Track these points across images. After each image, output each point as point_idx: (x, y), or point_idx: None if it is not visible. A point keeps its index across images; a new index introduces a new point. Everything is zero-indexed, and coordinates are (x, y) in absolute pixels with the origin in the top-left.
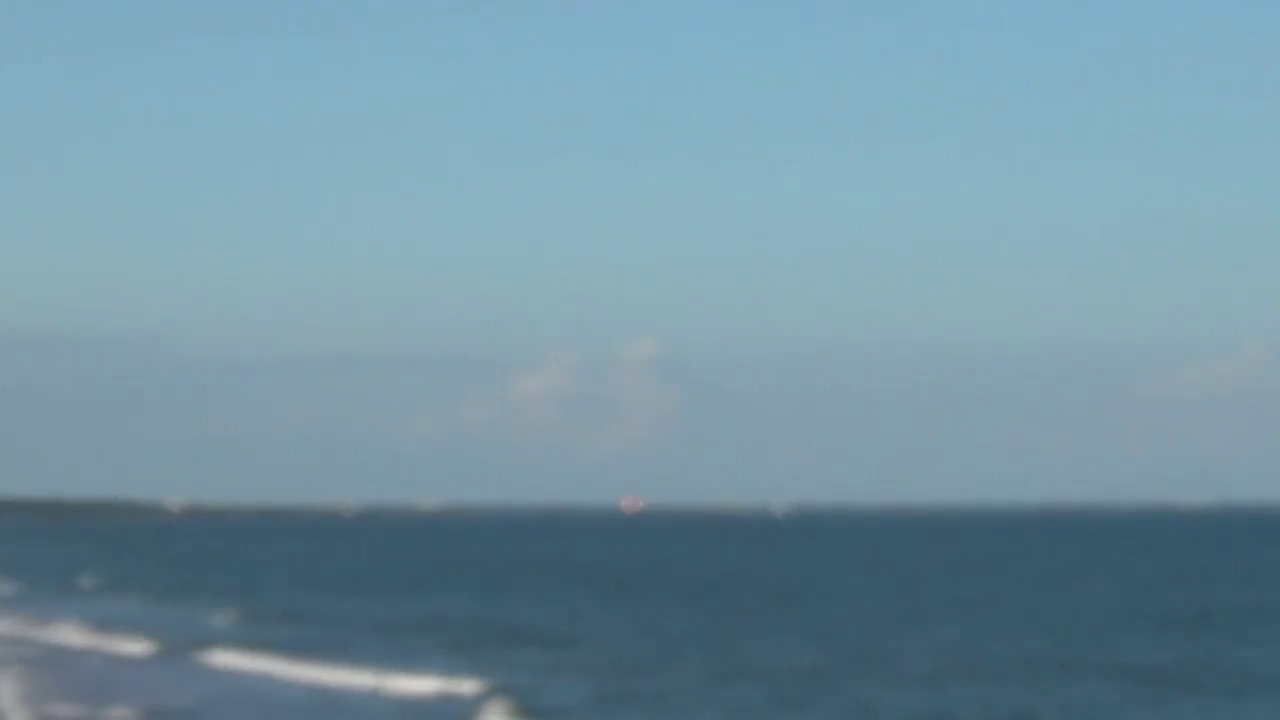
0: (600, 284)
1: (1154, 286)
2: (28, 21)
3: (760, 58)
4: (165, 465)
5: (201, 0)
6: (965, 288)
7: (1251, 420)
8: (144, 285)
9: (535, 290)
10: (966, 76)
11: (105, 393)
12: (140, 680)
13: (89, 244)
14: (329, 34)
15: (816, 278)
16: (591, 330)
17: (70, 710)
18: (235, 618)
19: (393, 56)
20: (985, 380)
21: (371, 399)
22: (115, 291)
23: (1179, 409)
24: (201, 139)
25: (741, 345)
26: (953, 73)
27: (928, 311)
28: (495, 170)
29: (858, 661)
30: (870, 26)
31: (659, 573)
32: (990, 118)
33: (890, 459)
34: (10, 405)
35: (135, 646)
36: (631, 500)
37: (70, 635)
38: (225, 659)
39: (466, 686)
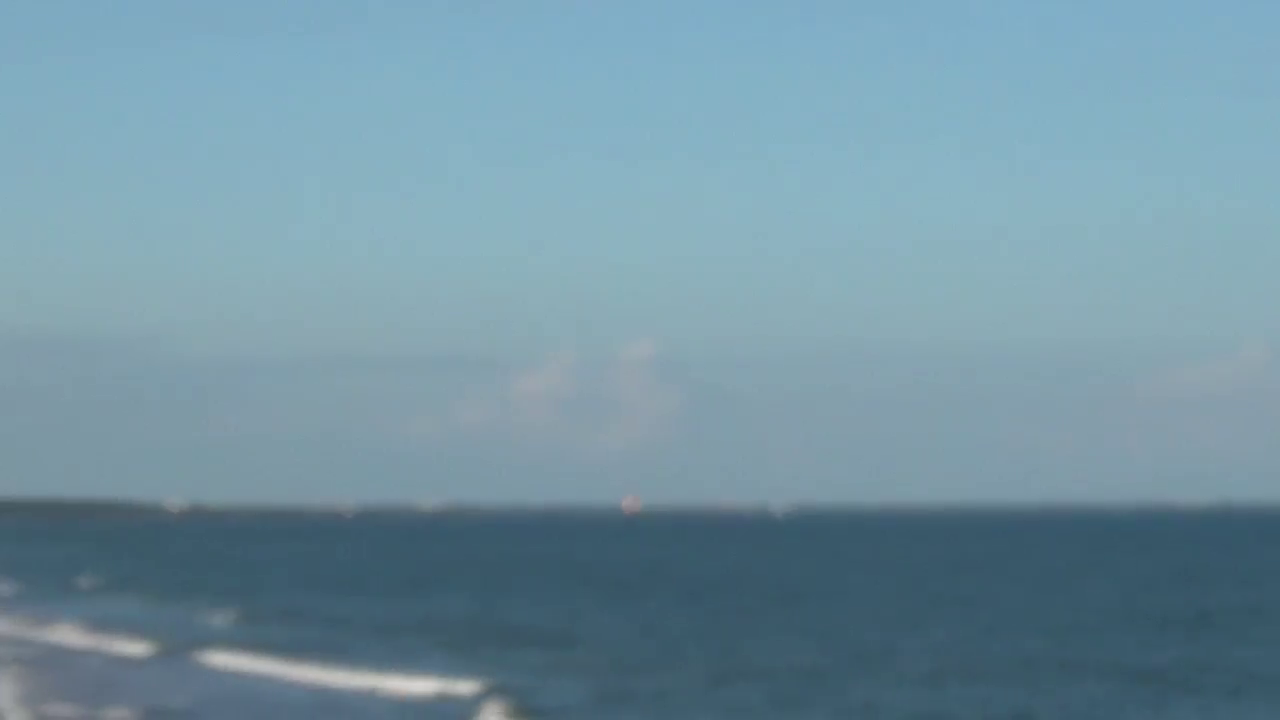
0: (600, 284)
1: (1154, 286)
2: (28, 21)
3: (760, 58)
4: (165, 465)
5: (201, 0)
6: (965, 288)
7: (1251, 420)
8: (144, 285)
9: (534, 290)
10: (966, 76)
11: (105, 393)
12: (139, 680)
13: (89, 244)
14: (329, 34)
15: (816, 278)
16: (591, 330)
17: (69, 710)
18: (234, 618)
19: (393, 56)
20: (985, 380)
21: (371, 399)
22: (115, 291)
23: (1179, 409)
24: (201, 139)
25: (741, 345)
26: (953, 73)
27: (928, 311)
28: (495, 170)
29: (857, 661)
30: (870, 26)
31: (659, 573)
32: (990, 118)
33: (890, 459)
34: (10, 405)
35: (134, 647)
36: (631, 500)
37: (69, 635)
38: (224, 659)
39: (465, 687)
